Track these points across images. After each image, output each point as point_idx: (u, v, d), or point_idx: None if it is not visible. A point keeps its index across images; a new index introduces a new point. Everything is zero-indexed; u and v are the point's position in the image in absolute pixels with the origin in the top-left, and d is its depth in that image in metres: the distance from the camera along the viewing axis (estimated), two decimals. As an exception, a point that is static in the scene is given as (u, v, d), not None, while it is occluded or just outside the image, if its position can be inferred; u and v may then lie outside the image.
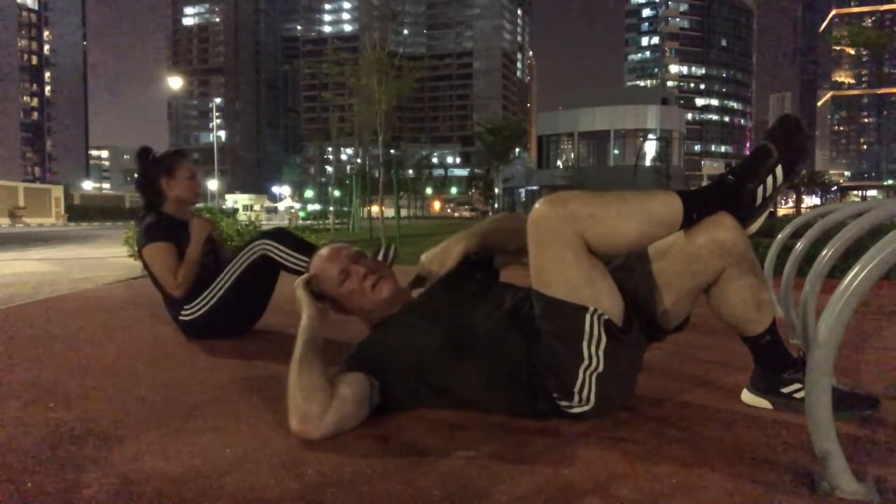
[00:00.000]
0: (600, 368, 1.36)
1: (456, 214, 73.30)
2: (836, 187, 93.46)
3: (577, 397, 1.39)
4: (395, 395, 1.52)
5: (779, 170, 1.39)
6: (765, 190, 1.39)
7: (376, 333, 1.64)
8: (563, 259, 1.35)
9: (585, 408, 1.40)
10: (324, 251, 1.72)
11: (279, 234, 2.45)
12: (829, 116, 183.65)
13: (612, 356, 1.37)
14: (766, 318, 1.47)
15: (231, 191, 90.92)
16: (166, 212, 2.60)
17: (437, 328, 1.54)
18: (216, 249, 2.65)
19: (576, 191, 1.41)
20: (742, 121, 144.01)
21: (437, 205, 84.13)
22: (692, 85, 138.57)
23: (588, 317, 1.35)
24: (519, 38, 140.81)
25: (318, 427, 1.36)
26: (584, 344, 1.36)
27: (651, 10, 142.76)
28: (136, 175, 2.65)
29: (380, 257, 1.81)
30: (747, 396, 1.59)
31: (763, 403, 1.55)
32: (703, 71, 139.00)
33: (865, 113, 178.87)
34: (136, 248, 2.56)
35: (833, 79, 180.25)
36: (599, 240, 1.35)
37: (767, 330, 1.48)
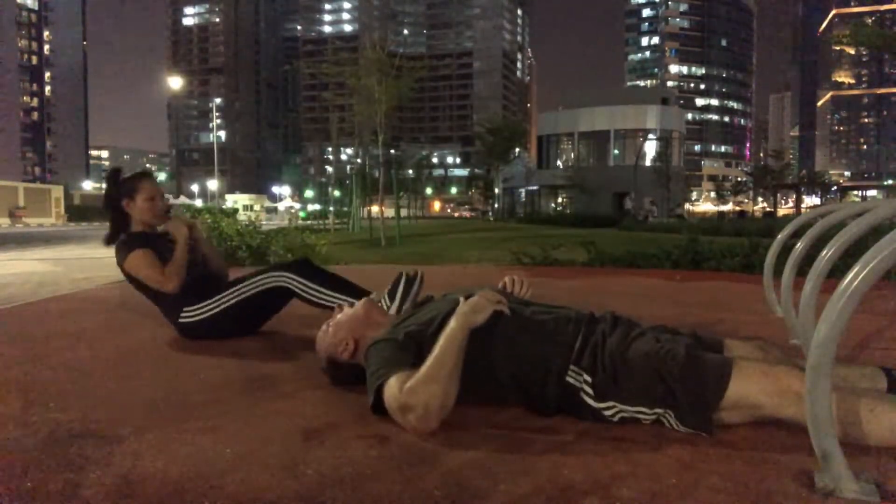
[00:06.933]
0: (645, 419, 1.43)
1: (456, 214, 73.35)
2: (836, 187, 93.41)
3: (608, 405, 1.44)
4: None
5: None
6: None
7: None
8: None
9: (596, 404, 1.44)
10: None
11: (303, 269, 2.46)
12: (829, 116, 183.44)
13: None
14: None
15: (231, 191, 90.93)
16: (136, 230, 2.61)
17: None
18: (197, 249, 2.65)
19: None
20: (742, 121, 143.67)
21: (437, 205, 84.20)
22: (692, 85, 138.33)
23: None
24: (519, 38, 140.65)
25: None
26: (671, 419, 1.41)
27: (651, 10, 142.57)
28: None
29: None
30: None
31: None
32: (703, 71, 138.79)
33: (865, 113, 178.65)
34: (119, 268, 2.54)
35: (833, 79, 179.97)
36: None
37: None
